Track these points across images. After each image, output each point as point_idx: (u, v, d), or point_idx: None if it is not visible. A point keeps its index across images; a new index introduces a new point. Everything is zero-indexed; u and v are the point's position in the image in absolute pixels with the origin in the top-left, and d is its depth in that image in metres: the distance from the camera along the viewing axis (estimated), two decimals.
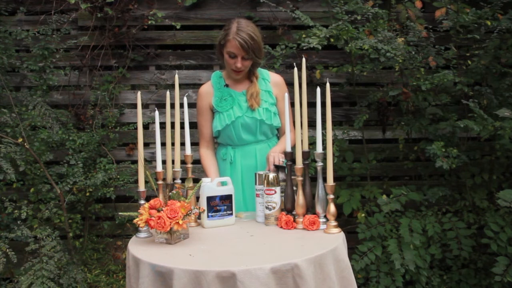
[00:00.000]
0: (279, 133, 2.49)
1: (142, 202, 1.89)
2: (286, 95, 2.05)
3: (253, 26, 2.29)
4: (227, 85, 2.40)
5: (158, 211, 1.76)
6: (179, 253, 1.68)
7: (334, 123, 3.67)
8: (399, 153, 3.62)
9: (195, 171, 3.04)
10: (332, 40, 3.10)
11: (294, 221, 1.94)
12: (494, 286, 2.96)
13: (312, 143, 3.02)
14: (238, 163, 2.36)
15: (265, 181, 1.98)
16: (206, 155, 2.42)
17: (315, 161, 1.94)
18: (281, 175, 2.04)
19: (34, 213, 3.15)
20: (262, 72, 2.44)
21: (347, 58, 3.64)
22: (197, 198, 2.08)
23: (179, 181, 1.99)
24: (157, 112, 1.99)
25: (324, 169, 1.90)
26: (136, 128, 3.23)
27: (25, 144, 3.02)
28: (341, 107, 3.73)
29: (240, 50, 2.23)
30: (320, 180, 1.91)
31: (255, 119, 2.33)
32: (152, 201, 1.79)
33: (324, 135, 1.97)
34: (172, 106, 2.05)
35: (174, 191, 1.85)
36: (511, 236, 2.89)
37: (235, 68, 2.29)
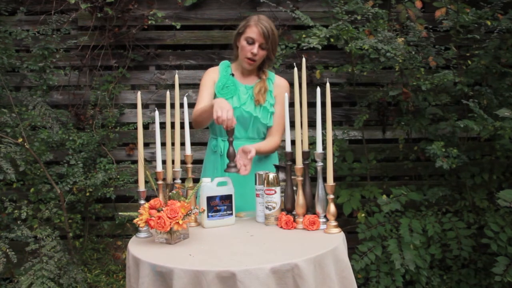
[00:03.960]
0: (267, 133, 2.42)
1: (142, 202, 1.89)
2: (286, 95, 2.05)
3: (273, 24, 2.32)
4: (232, 75, 2.39)
5: (158, 211, 1.75)
6: (179, 253, 1.68)
7: (334, 123, 3.67)
8: (399, 153, 3.62)
9: (195, 171, 3.03)
10: (332, 40, 3.10)
11: (294, 221, 1.94)
12: (494, 286, 2.96)
13: (312, 143, 3.03)
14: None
15: (265, 181, 1.98)
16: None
17: (315, 161, 1.94)
18: (281, 175, 2.04)
19: (34, 213, 3.15)
20: (268, 72, 2.44)
21: (347, 58, 3.64)
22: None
23: (179, 181, 1.99)
24: (157, 112, 1.99)
25: (324, 169, 1.90)
26: (136, 128, 3.23)
27: (25, 144, 3.02)
28: (341, 107, 3.74)
29: (260, 36, 2.25)
30: (320, 180, 1.91)
31: (250, 114, 2.32)
32: (152, 201, 1.79)
33: (324, 135, 1.97)
34: (172, 106, 2.05)
35: (174, 191, 1.85)
36: (511, 236, 2.89)
37: (250, 55, 2.27)
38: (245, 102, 2.33)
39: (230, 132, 2.01)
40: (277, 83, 2.41)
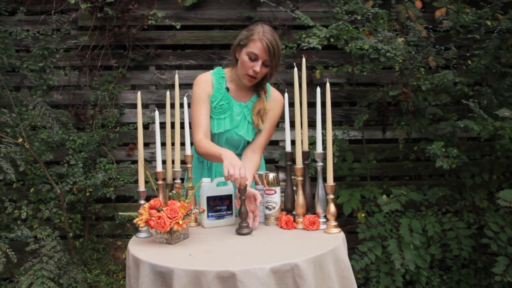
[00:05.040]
0: (248, 146, 2.29)
1: (142, 202, 1.89)
2: (286, 95, 2.05)
3: (277, 37, 2.13)
4: (227, 89, 2.25)
5: (158, 211, 1.76)
6: (179, 253, 1.68)
7: (334, 123, 3.67)
8: (399, 153, 3.62)
9: None
10: (332, 40, 3.10)
11: (294, 221, 1.94)
12: (494, 286, 2.96)
13: (312, 143, 3.02)
14: (214, 169, 2.30)
15: (265, 181, 1.98)
16: (205, 141, 2.12)
17: (315, 161, 1.94)
18: (281, 175, 2.04)
19: (34, 213, 3.15)
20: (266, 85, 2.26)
21: (347, 58, 3.64)
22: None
23: (179, 181, 1.99)
24: (157, 112, 1.99)
25: (324, 169, 1.90)
26: (136, 128, 3.22)
27: (25, 144, 3.02)
28: (341, 107, 3.74)
29: (264, 53, 2.06)
30: (320, 180, 1.91)
31: (241, 138, 2.24)
32: (152, 201, 1.79)
33: (324, 135, 1.97)
34: (172, 106, 2.05)
35: (174, 191, 1.85)
36: (511, 236, 2.89)
37: (252, 72, 2.10)
38: (237, 124, 2.23)
39: (242, 190, 1.88)
40: (273, 97, 2.28)
